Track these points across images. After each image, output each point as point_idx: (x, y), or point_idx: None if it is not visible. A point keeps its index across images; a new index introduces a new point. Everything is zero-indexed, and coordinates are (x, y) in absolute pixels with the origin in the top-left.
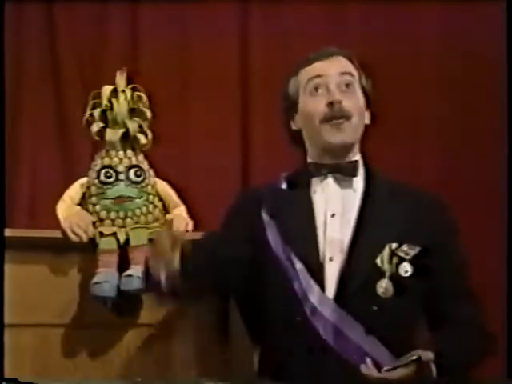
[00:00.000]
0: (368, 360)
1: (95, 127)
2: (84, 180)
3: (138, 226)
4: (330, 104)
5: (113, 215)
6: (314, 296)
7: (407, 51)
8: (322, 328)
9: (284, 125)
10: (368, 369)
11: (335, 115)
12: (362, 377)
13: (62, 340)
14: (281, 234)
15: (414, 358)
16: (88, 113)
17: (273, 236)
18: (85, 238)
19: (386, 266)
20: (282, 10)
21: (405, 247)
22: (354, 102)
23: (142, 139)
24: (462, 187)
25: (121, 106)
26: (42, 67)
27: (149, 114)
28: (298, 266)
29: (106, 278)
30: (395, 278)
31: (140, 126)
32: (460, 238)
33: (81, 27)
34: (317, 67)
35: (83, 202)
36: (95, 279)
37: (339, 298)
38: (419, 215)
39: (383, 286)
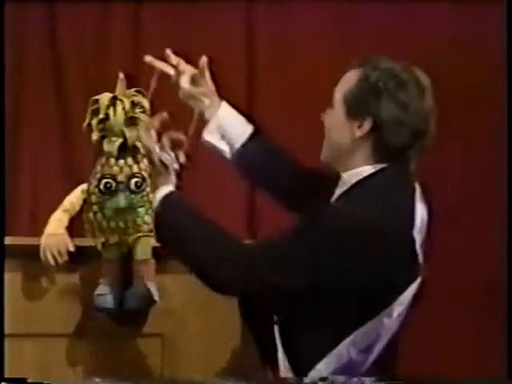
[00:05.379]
0: None
1: (94, 137)
2: (85, 186)
3: (141, 234)
4: None
5: (113, 225)
6: None
7: (407, 51)
8: None
9: None
10: None
11: None
12: None
13: (64, 350)
14: None
15: None
16: (87, 121)
17: None
18: (52, 263)
19: None
20: (288, 10)
21: None
22: (328, 121)
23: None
24: (461, 187)
25: (117, 117)
26: (45, 68)
27: (148, 120)
28: None
29: (108, 290)
30: None
31: None
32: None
33: (83, 27)
34: None
35: (85, 207)
36: (98, 291)
37: None
38: None
39: None
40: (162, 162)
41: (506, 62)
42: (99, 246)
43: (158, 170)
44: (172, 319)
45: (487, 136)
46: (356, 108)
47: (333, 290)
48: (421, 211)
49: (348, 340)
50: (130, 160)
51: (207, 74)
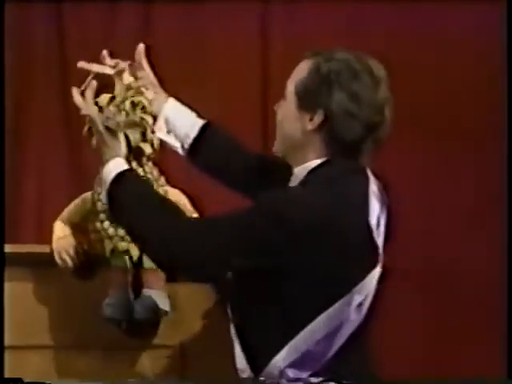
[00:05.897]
0: None
1: (95, 141)
2: (87, 195)
3: None
4: None
5: (121, 232)
6: None
7: (407, 51)
8: None
9: None
10: None
11: None
12: None
13: (68, 362)
14: None
15: None
16: (86, 127)
17: None
18: (70, 264)
19: None
20: (302, 11)
21: None
22: (280, 113)
23: (147, 149)
24: (461, 188)
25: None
26: (51, 69)
27: (150, 120)
28: None
29: (118, 300)
30: None
31: (143, 135)
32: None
33: (90, 27)
34: None
35: (90, 217)
36: (108, 300)
37: None
38: None
39: None
40: (108, 128)
41: (506, 62)
42: (108, 254)
43: (105, 139)
44: (183, 330)
45: (487, 136)
46: (307, 100)
47: (286, 278)
48: (374, 204)
49: (305, 331)
50: (133, 163)
51: (146, 66)
